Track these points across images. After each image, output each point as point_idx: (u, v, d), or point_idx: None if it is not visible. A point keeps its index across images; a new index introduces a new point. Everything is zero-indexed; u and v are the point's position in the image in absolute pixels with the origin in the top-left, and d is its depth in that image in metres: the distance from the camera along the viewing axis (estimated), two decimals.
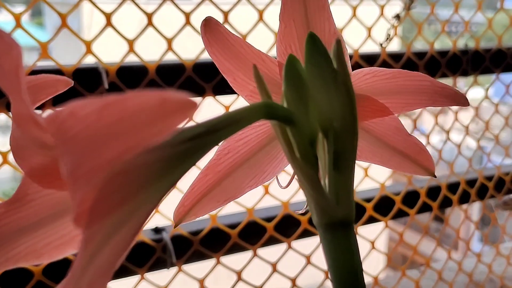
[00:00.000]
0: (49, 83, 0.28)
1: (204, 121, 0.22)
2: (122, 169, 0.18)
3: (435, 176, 0.34)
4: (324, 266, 0.76)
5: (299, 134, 0.25)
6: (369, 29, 0.82)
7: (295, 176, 0.30)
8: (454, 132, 0.96)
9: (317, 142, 0.26)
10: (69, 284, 0.18)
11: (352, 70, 0.31)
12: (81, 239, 0.18)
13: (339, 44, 0.25)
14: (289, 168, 0.35)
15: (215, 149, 0.32)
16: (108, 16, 0.64)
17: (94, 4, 0.63)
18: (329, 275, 0.26)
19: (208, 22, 0.31)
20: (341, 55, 0.25)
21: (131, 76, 0.67)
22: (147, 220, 0.21)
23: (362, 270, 0.26)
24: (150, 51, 0.72)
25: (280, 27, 0.31)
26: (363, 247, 0.83)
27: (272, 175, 0.34)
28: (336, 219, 0.25)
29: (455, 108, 0.96)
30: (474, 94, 1.26)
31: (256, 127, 0.32)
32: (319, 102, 0.26)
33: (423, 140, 0.91)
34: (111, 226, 0.19)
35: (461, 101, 0.31)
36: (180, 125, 0.18)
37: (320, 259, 0.67)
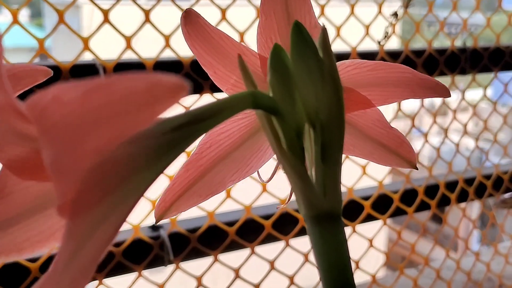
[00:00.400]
0: (27, 72, 0.27)
1: (189, 111, 0.21)
2: (106, 159, 0.18)
3: (417, 168, 0.33)
4: None
5: (285, 125, 0.25)
6: (367, 27, 0.82)
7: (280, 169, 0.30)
8: (453, 134, 0.96)
9: (304, 133, 0.25)
10: (51, 279, 0.18)
11: None
12: (64, 231, 0.18)
13: (325, 33, 0.25)
14: (272, 162, 0.34)
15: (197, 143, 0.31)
16: (105, 13, 0.64)
17: (92, 1, 0.63)
18: (317, 269, 0.26)
19: (188, 14, 0.31)
20: (327, 44, 0.25)
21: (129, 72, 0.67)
22: (132, 211, 0.20)
23: (350, 263, 0.25)
24: (149, 49, 0.72)
25: (260, 19, 0.31)
26: (361, 245, 0.83)
27: (255, 168, 0.33)
28: (323, 212, 0.25)
29: (454, 108, 0.96)
30: (473, 95, 1.26)
31: (238, 120, 0.31)
32: (306, 92, 0.25)
33: (421, 141, 0.92)
34: (95, 217, 0.18)
35: (443, 92, 0.30)
36: (171, 109, 0.18)
37: None
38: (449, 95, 0.30)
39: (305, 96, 0.25)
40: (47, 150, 0.17)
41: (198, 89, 0.70)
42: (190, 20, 0.31)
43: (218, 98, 0.70)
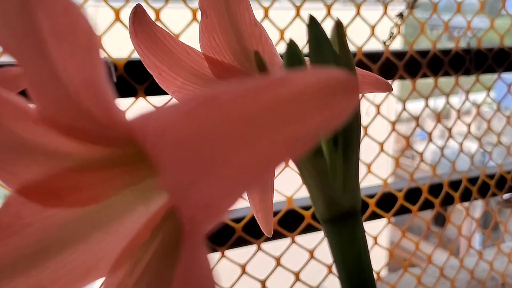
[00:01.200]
0: (8, 78, 0.23)
1: None
2: None
3: None
4: (327, 260, 0.77)
5: None
6: (372, 28, 0.83)
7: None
8: (456, 136, 0.96)
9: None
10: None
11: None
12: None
13: (340, 27, 0.24)
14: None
15: None
16: (117, 12, 0.65)
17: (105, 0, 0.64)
18: (335, 269, 0.25)
19: (137, 11, 0.29)
20: (343, 39, 0.24)
21: (139, 70, 0.68)
22: None
23: (370, 262, 0.25)
24: None
25: (201, 18, 0.30)
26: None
27: None
28: (344, 209, 0.24)
29: (457, 107, 0.97)
30: (476, 97, 1.27)
31: None
32: None
33: (424, 144, 0.93)
34: None
35: (383, 87, 0.30)
36: (350, 112, 0.14)
37: (323, 254, 0.67)
38: (391, 90, 0.30)
39: None
40: (184, 165, 0.13)
41: None
42: (139, 18, 0.29)
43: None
